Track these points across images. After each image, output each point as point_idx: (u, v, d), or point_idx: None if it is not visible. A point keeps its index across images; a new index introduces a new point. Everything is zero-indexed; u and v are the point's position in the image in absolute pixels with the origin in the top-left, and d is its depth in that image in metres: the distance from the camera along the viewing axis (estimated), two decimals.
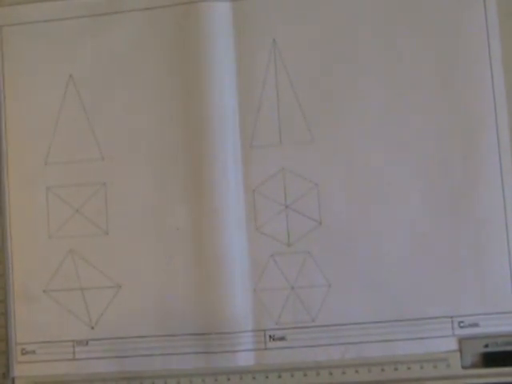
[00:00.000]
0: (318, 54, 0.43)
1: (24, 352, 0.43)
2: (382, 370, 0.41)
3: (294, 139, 0.42)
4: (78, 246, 0.43)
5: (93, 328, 0.43)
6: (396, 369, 0.41)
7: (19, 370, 0.43)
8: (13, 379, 0.43)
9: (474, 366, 0.41)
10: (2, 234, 0.44)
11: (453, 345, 0.41)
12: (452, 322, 0.41)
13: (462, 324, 0.41)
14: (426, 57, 0.42)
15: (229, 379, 0.42)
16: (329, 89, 0.42)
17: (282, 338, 0.42)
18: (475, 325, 0.41)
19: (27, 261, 0.43)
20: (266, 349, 0.42)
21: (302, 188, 0.42)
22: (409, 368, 0.41)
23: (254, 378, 0.42)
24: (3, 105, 0.44)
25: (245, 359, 0.42)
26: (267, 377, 0.42)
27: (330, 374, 0.41)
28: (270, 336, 0.42)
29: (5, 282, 0.43)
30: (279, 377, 0.42)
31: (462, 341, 0.41)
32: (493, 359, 0.41)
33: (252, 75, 0.43)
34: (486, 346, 0.41)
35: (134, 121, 0.43)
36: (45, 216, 0.44)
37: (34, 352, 0.43)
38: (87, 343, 0.43)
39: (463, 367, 0.41)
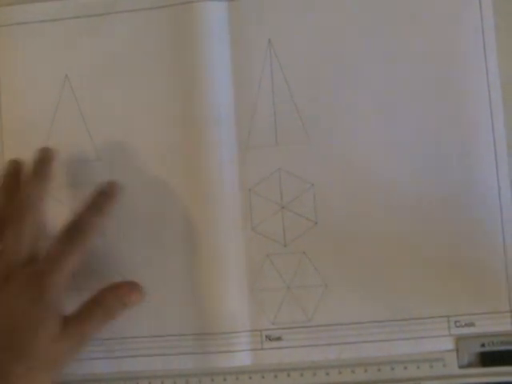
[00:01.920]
0: (313, 54, 0.43)
1: None
2: (379, 369, 0.41)
3: (290, 139, 0.42)
4: None
5: None
6: (392, 369, 0.41)
7: None
8: None
9: (470, 365, 0.41)
10: None
11: (449, 344, 0.41)
12: (448, 321, 0.41)
13: (458, 323, 0.41)
14: (423, 57, 0.42)
15: (225, 379, 0.42)
16: (325, 89, 0.42)
17: (278, 338, 0.42)
18: (471, 324, 0.41)
19: None
20: (262, 349, 0.42)
21: (298, 188, 0.42)
22: (405, 368, 0.41)
23: (250, 378, 0.42)
24: None
25: (241, 359, 0.42)
26: (263, 377, 0.42)
27: (327, 374, 0.41)
28: (267, 336, 0.42)
29: None
30: (275, 377, 0.42)
31: (458, 340, 0.41)
32: (489, 359, 0.41)
33: (248, 75, 0.43)
34: (483, 345, 0.41)
35: (129, 121, 0.43)
36: None
37: None
38: None
39: (460, 367, 0.41)
